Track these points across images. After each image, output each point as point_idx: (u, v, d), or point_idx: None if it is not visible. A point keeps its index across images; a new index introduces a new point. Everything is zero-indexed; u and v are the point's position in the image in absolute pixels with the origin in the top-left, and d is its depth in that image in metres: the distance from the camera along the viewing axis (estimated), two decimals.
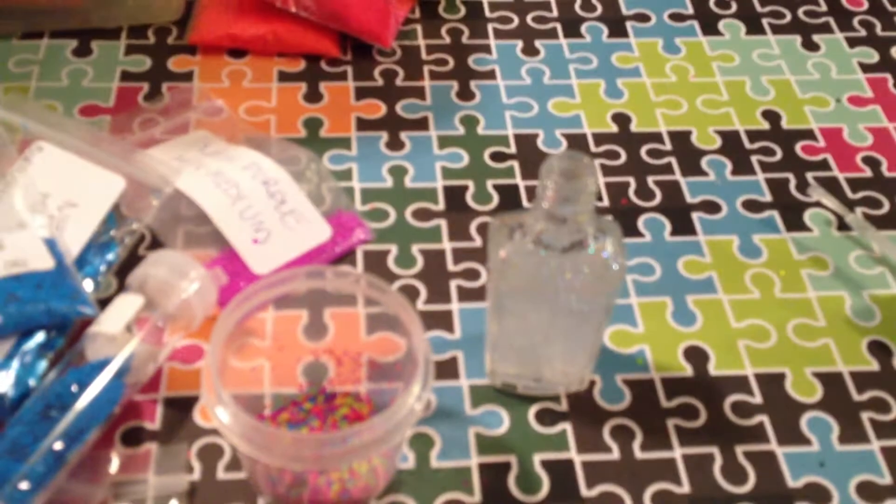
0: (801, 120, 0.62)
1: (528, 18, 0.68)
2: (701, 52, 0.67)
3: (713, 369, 0.48)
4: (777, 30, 0.69)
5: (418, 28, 0.67)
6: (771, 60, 0.66)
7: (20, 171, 0.50)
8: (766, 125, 0.62)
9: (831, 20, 0.70)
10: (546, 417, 0.46)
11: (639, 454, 0.45)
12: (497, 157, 0.58)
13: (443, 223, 0.54)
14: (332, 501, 0.41)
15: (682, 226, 0.55)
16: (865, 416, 0.47)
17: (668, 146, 0.60)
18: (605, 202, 0.56)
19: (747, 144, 0.60)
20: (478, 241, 0.54)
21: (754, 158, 0.59)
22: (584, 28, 0.68)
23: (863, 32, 0.69)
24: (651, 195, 0.57)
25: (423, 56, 0.65)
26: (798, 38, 0.68)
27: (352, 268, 0.52)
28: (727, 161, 0.59)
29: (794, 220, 0.56)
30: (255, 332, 0.45)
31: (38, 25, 0.63)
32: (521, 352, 0.45)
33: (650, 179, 0.58)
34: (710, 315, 0.51)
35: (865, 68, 0.66)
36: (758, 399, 0.47)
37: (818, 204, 0.57)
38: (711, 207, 0.56)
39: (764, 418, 0.46)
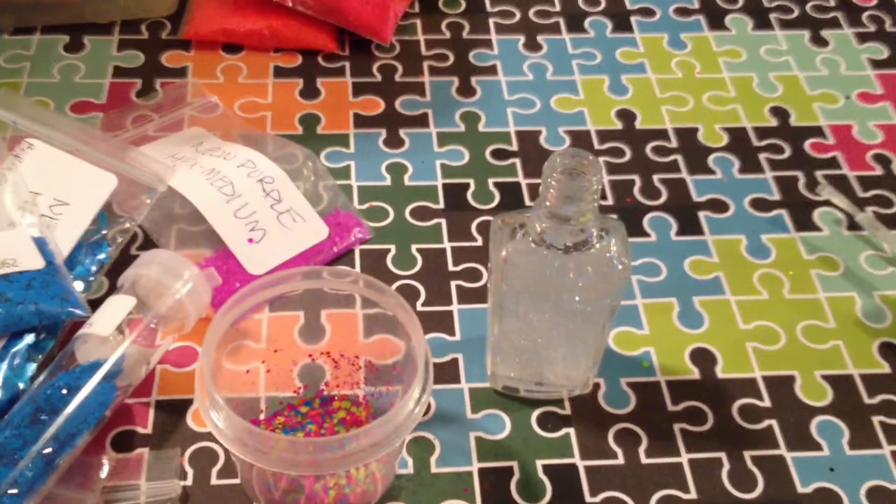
0: (810, 117, 0.61)
1: (531, 13, 0.67)
2: (707, 47, 0.66)
3: (720, 372, 0.48)
4: (785, 25, 0.68)
5: (417, 23, 0.66)
6: (779, 56, 0.65)
7: (10, 168, 0.49)
8: (774, 122, 0.61)
9: (840, 15, 0.69)
10: (549, 422, 0.45)
11: (644, 459, 0.44)
12: (498, 154, 0.58)
13: (443, 222, 0.54)
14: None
15: (689, 225, 0.54)
16: (876, 419, 0.46)
17: (673, 143, 0.59)
18: (610, 201, 0.55)
19: (755, 142, 0.60)
20: (479, 241, 0.53)
21: (762, 156, 0.59)
22: (587, 23, 0.67)
23: (872, 28, 0.68)
24: (656, 194, 0.56)
25: (423, 51, 0.64)
26: (806, 34, 0.67)
27: (349, 268, 0.51)
28: (734, 159, 0.58)
29: (803, 220, 0.55)
30: (250, 333, 0.44)
31: (30, 20, 0.63)
32: (523, 354, 0.44)
33: (656, 178, 0.57)
34: (718, 316, 0.50)
35: (875, 64, 0.65)
36: (766, 402, 0.46)
37: (828, 203, 0.56)
38: (718, 206, 0.56)
39: (773, 422, 0.46)
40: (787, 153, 0.59)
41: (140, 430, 0.44)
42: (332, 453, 0.36)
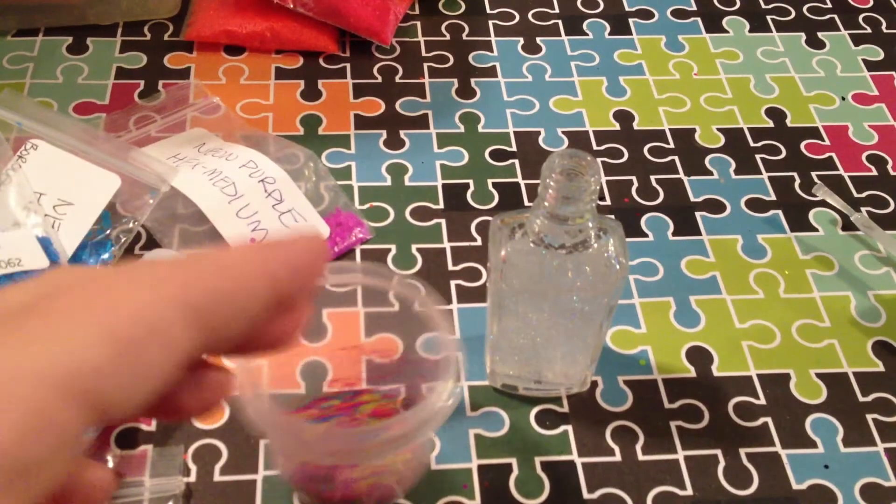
0: (806, 118, 0.62)
1: (530, 15, 0.68)
2: (704, 49, 0.66)
3: (716, 370, 0.48)
4: (781, 27, 0.68)
5: (418, 25, 0.66)
6: (775, 58, 0.66)
7: (14, 169, 0.49)
8: (770, 123, 0.61)
9: (836, 17, 0.69)
10: (547, 419, 0.46)
11: (641, 456, 0.44)
12: (498, 155, 0.58)
13: (442, 222, 0.54)
14: (361, 496, 0.41)
15: (686, 225, 0.55)
16: (870, 417, 0.46)
17: (671, 144, 0.59)
18: (608, 201, 0.56)
19: (751, 143, 0.60)
20: (478, 241, 0.53)
21: (758, 157, 0.59)
22: (586, 25, 0.67)
23: (868, 30, 0.68)
24: (654, 194, 0.56)
25: (423, 53, 0.64)
26: (803, 36, 0.68)
27: (385, 265, 0.51)
28: (731, 160, 0.59)
29: (798, 220, 0.55)
30: None
31: (33, 22, 0.63)
32: (521, 352, 0.45)
33: (653, 178, 0.57)
34: (714, 315, 0.50)
35: (871, 66, 0.66)
36: (762, 400, 0.47)
37: (823, 203, 0.56)
38: (715, 206, 0.56)
39: (768, 420, 0.46)
40: (783, 154, 0.59)
41: (144, 427, 0.44)
42: (366, 442, 0.36)
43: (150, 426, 0.44)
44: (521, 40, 0.66)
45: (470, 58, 0.64)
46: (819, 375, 0.48)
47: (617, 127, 0.60)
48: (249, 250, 0.22)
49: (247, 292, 0.21)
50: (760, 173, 0.58)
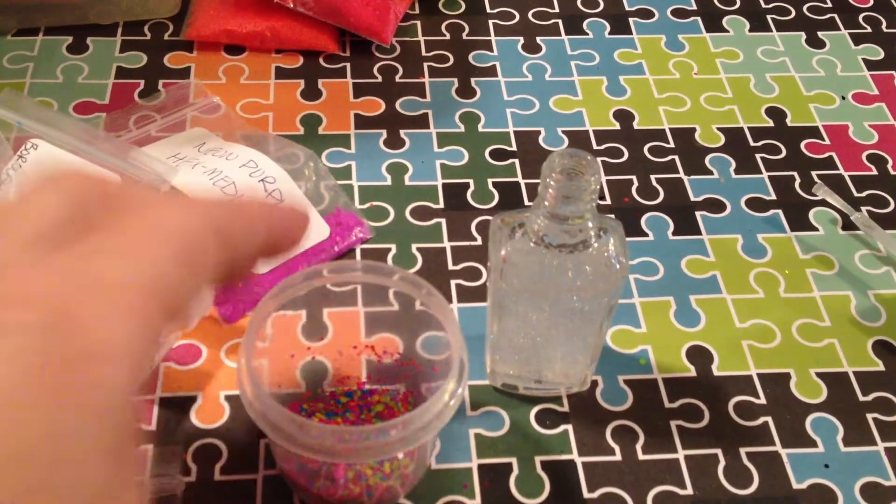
0: (806, 117, 0.62)
1: (530, 14, 0.68)
2: (705, 48, 0.66)
3: (717, 370, 0.48)
4: (781, 26, 0.68)
5: (418, 24, 0.66)
6: (775, 57, 0.66)
7: (14, 169, 0.49)
8: (770, 123, 0.61)
9: (836, 17, 0.69)
10: (547, 418, 0.46)
11: (641, 456, 0.44)
12: (498, 154, 0.58)
13: (443, 222, 0.54)
14: (361, 496, 0.41)
15: (686, 225, 0.55)
16: (870, 417, 0.46)
17: (671, 144, 0.59)
18: (608, 201, 0.56)
19: (751, 142, 0.60)
20: (478, 240, 0.53)
21: (759, 156, 0.59)
22: (586, 24, 0.67)
23: (868, 29, 0.68)
24: (654, 194, 0.56)
25: (423, 52, 0.64)
26: (803, 35, 0.68)
27: (386, 263, 0.51)
28: (731, 159, 0.59)
29: (798, 219, 0.55)
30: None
31: (33, 21, 0.63)
32: (521, 352, 0.45)
33: (653, 178, 0.57)
34: (714, 315, 0.50)
35: (871, 65, 0.66)
36: (762, 400, 0.47)
37: (823, 202, 0.56)
38: (715, 206, 0.56)
39: (768, 419, 0.46)
40: (784, 153, 0.59)
41: (144, 426, 0.44)
42: (368, 442, 0.36)
43: (150, 426, 0.44)
44: (521, 40, 0.66)
45: (470, 57, 0.64)
46: (819, 375, 0.48)
47: (617, 126, 0.60)
48: (259, 203, 0.27)
49: (253, 230, 0.25)
50: (760, 173, 0.58)
